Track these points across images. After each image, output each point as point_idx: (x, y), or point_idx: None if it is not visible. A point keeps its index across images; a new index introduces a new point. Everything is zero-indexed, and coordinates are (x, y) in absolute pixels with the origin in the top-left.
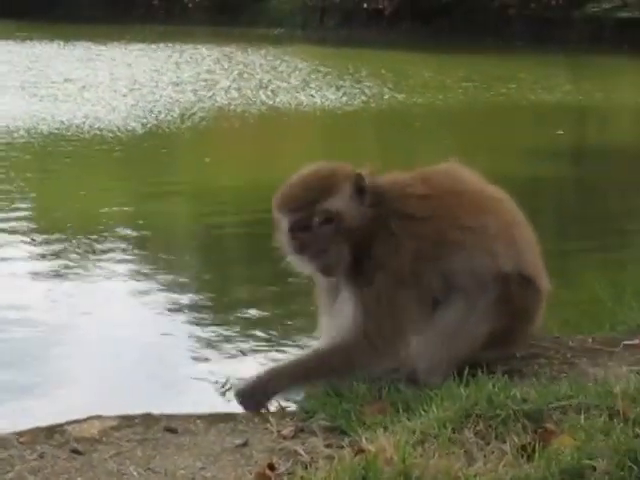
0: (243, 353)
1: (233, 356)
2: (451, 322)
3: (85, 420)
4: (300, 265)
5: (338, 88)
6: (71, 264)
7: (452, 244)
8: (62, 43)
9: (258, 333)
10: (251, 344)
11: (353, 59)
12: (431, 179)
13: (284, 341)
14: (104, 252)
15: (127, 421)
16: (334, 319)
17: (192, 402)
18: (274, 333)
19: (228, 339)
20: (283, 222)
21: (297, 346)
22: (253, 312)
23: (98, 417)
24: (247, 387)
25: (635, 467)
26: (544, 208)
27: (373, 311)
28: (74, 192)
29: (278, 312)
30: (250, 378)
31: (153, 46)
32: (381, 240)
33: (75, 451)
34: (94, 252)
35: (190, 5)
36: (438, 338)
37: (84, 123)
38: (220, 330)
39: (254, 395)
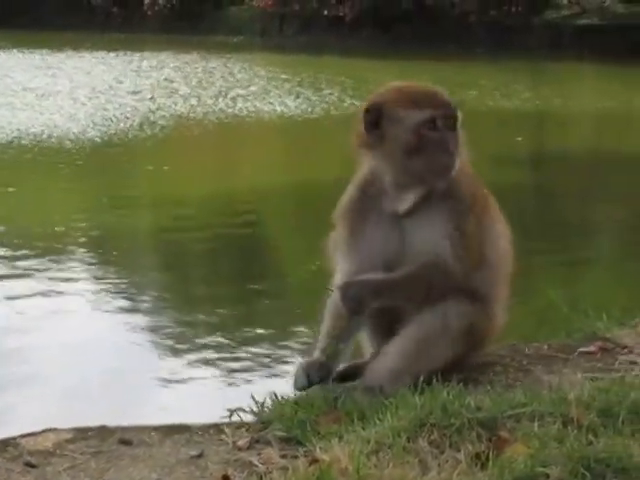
0: (202, 363)
1: (191, 366)
2: (421, 339)
3: (40, 433)
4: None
5: (298, 95)
6: (28, 274)
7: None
8: (24, 51)
9: (218, 340)
10: (210, 353)
11: (313, 66)
12: None
13: (243, 349)
14: (63, 262)
15: (82, 434)
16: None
17: (148, 413)
18: (233, 341)
19: (186, 349)
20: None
21: (256, 354)
22: (213, 320)
23: (53, 430)
24: (354, 293)
25: (588, 474)
26: (503, 214)
27: (469, 234)
28: (32, 202)
29: (238, 319)
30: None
31: (112, 54)
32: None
33: (29, 464)
34: (53, 262)
35: (149, 13)
36: (405, 351)
37: (42, 132)
38: (179, 340)
39: (359, 297)
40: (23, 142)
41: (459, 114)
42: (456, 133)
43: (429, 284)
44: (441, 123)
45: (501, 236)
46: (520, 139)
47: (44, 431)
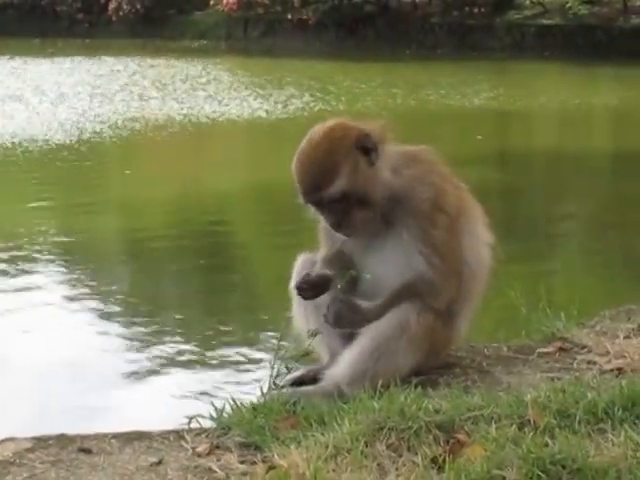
0: (163, 368)
1: (152, 371)
2: (379, 343)
3: None
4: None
5: (262, 98)
6: None
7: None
8: None
9: (180, 345)
10: (172, 359)
11: (277, 69)
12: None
13: (205, 355)
14: (28, 267)
15: (42, 442)
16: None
17: (108, 420)
18: (196, 347)
19: (148, 354)
20: None
21: (218, 360)
22: (176, 325)
23: (12, 439)
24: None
25: (544, 475)
26: None
27: (440, 249)
28: None
29: (201, 324)
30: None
31: (77, 59)
32: (423, 193)
33: None
34: (17, 267)
35: (114, 18)
36: (364, 355)
37: (5, 137)
38: (141, 346)
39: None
40: None
41: (327, 197)
42: (332, 207)
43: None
44: (312, 207)
45: (476, 246)
46: (480, 137)
47: (3, 440)
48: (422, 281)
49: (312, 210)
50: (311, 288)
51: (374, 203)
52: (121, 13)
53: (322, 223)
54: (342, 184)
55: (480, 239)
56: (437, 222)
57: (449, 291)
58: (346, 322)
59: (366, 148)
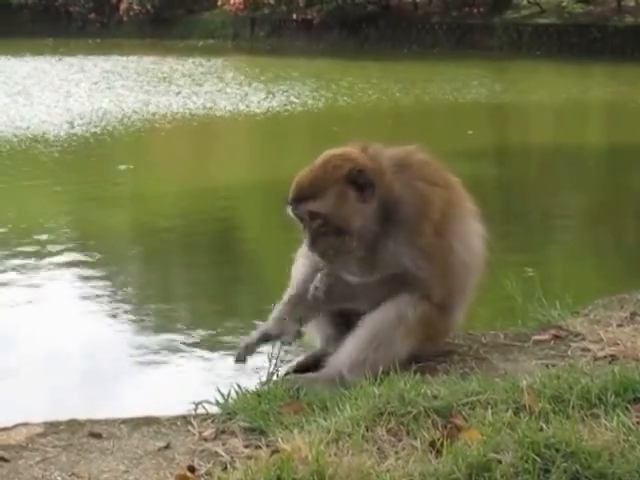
0: (172, 355)
1: (161, 358)
2: (379, 331)
3: (12, 428)
4: None
5: (266, 95)
6: (2, 273)
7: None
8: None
9: (188, 332)
10: (180, 346)
11: (282, 68)
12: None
13: (219, 344)
14: (40, 258)
15: (53, 427)
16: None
17: (118, 405)
18: (213, 342)
19: (157, 341)
20: None
21: (232, 349)
22: (185, 313)
23: (25, 424)
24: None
25: (539, 459)
26: None
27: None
28: (5, 202)
29: (209, 312)
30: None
31: (88, 57)
32: (410, 199)
33: (1, 458)
34: (31, 260)
35: (125, 18)
36: (364, 343)
37: (14, 131)
38: (150, 333)
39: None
40: None
41: (306, 212)
42: (311, 225)
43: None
44: (295, 218)
45: (468, 241)
46: (470, 132)
47: (16, 425)
48: (411, 279)
49: (296, 222)
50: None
51: (353, 235)
52: (132, 13)
53: None
54: (323, 207)
55: (471, 234)
56: (423, 231)
57: (439, 289)
58: (336, 296)
59: (358, 184)
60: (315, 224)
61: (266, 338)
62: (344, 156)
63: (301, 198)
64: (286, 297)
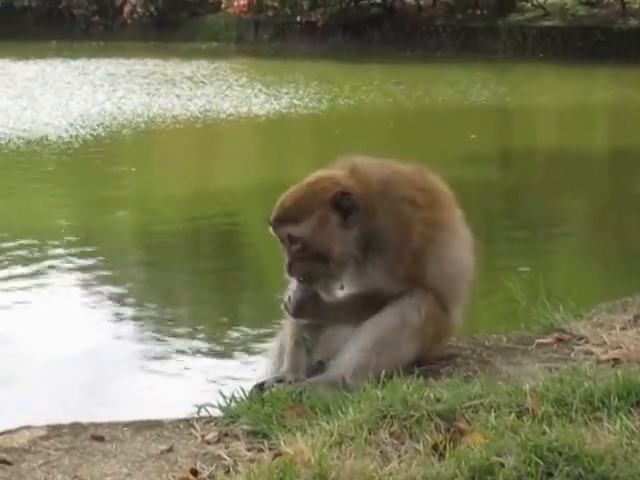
0: (175, 358)
1: (164, 361)
2: (382, 334)
3: (15, 431)
4: None
5: (263, 96)
6: (8, 269)
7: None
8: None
9: (191, 336)
10: (183, 349)
11: (284, 70)
12: (423, 173)
13: (222, 347)
14: (45, 260)
15: (56, 430)
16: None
17: (121, 408)
18: (215, 345)
19: (160, 344)
20: None
21: (235, 352)
22: (188, 317)
23: (28, 427)
24: (308, 306)
25: (541, 462)
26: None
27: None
28: (9, 205)
29: (211, 316)
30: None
31: (91, 60)
32: (391, 224)
33: (4, 461)
34: (35, 262)
35: (129, 21)
36: (367, 346)
37: (19, 134)
38: (153, 337)
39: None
40: None
41: (285, 234)
42: (290, 247)
43: (375, 307)
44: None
45: (455, 247)
46: (473, 137)
47: (19, 428)
48: (384, 295)
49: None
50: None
51: (333, 261)
52: (135, 16)
53: None
54: (304, 231)
55: (457, 250)
56: (402, 258)
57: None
58: (306, 312)
59: (342, 208)
60: (294, 248)
61: (280, 380)
62: (331, 179)
63: (282, 220)
64: (287, 347)
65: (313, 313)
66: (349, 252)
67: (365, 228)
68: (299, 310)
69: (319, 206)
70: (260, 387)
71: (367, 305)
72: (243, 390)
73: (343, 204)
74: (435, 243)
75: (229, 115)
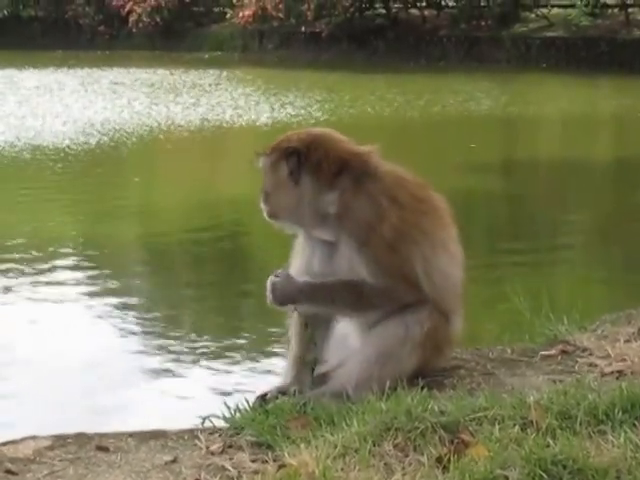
0: (179, 369)
1: (168, 371)
2: (385, 346)
3: (20, 441)
4: None
5: (273, 107)
6: (10, 285)
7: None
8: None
9: (196, 347)
10: (187, 360)
11: (289, 80)
12: (427, 188)
13: (226, 358)
14: (48, 270)
15: (61, 441)
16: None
17: (126, 419)
18: (220, 356)
19: (165, 355)
20: None
21: (240, 363)
22: (192, 327)
23: (33, 437)
24: (281, 286)
25: (545, 475)
26: (467, 220)
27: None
28: (11, 214)
29: (216, 326)
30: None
31: (96, 70)
32: (360, 211)
33: (9, 471)
34: (39, 272)
35: (134, 31)
36: (371, 358)
37: (20, 146)
38: (157, 347)
39: (285, 294)
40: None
41: (262, 161)
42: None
43: (356, 295)
44: None
45: (445, 261)
46: (473, 146)
47: (24, 439)
48: (367, 285)
49: None
50: None
51: (298, 208)
52: (141, 25)
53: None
54: (264, 164)
55: (447, 265)
56: (371, 242)
57: (398, 297)
58: (280, 295)
59: (292, 167)
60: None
61: (283, 392)
62: (296, 137)
63: (262, 153)
64: (290, 360)
65: (288, 293)
66: (318, 211)
67: (331, 199)
68: (274, 292)
69: (277, 159)
70: (263, 398)
71: (346, 289)
72: (247, 401)
73: (289, 161)
74: (417, 245)
75: (234, 124)
